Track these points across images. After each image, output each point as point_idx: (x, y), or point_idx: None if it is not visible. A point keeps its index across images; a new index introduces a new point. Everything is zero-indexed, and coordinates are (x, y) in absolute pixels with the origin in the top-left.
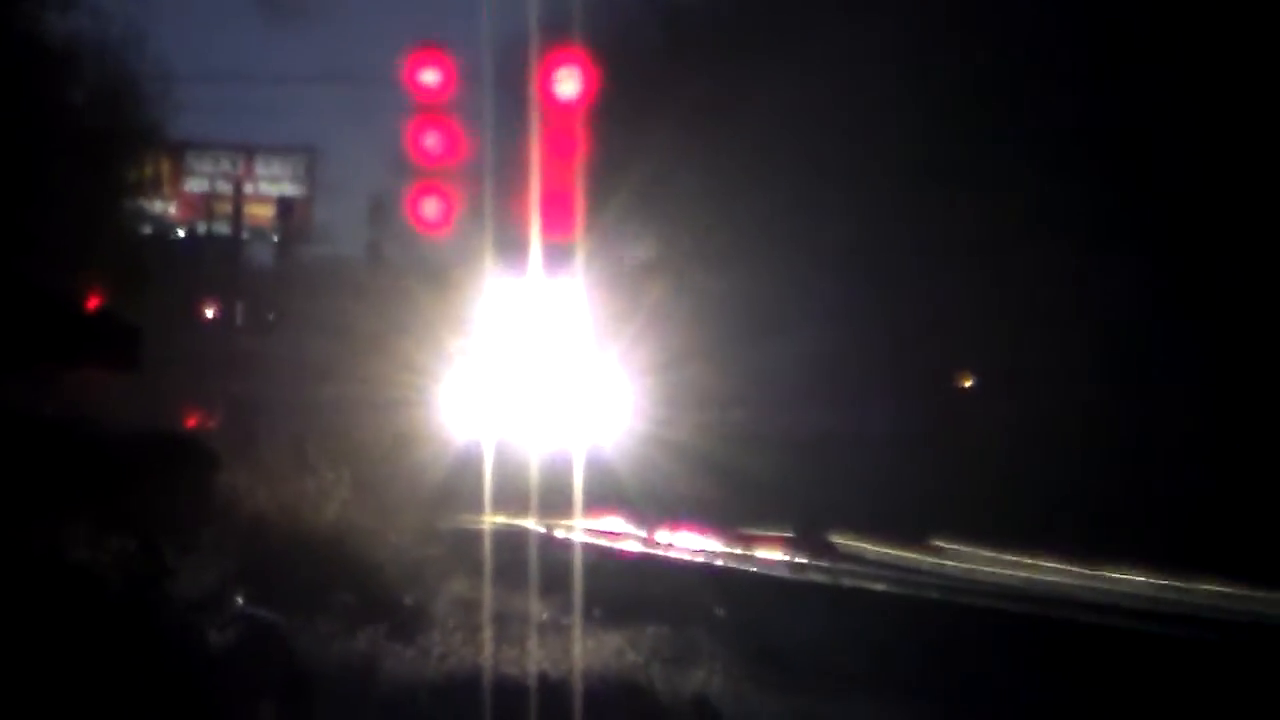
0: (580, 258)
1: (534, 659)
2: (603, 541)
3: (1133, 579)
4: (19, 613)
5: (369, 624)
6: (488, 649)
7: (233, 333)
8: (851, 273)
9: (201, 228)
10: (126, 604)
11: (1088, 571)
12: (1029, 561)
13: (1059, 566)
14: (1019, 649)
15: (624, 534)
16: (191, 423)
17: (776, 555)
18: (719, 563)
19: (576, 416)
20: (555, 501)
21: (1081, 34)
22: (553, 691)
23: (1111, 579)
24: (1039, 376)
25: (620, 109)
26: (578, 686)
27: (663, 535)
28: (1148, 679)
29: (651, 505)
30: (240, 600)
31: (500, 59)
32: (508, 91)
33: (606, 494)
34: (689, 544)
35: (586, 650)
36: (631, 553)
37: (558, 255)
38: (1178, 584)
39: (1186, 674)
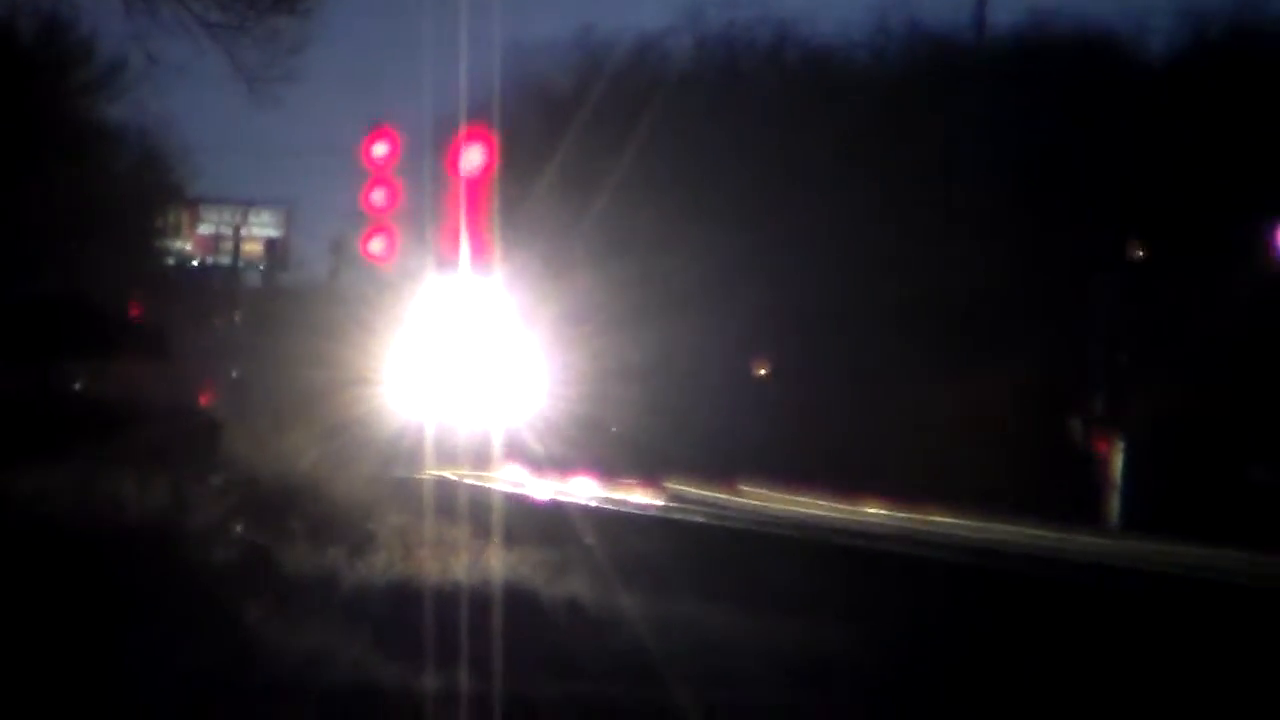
0: (492, 272)
1: (451, 571)
2: (508, 488)
3: (875, 511)
4: (81, 531)
5: (332, 546)
6: (418, 564)
7: (232, 334)
8: (687, 280)
9: (210, 259)
10: (158, 528)
11: (845, 506)
12: (805, 500)
13: (825, 503)
14: (795, 561)
15: (525, 482)
16: (204, 399)
17: (628, 495)
18: (588, 502)
19: (494, 392)
20: (476, 458)
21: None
22: (464, 594)
23: (861, 511)
24: (813, 369)
25: (521, 163)
26: (483, 591)
27: (553, 482)
28: (879, 578)
29: (545, 459)
30: (238, 528)
31: (431, 134)
32: (437, 157)
33: (514, 452)
34: (568, 488)
35: (490, 565)
36: (528, 496)
37: (475, 270)
38: (907, 514)
39: (904, 576)
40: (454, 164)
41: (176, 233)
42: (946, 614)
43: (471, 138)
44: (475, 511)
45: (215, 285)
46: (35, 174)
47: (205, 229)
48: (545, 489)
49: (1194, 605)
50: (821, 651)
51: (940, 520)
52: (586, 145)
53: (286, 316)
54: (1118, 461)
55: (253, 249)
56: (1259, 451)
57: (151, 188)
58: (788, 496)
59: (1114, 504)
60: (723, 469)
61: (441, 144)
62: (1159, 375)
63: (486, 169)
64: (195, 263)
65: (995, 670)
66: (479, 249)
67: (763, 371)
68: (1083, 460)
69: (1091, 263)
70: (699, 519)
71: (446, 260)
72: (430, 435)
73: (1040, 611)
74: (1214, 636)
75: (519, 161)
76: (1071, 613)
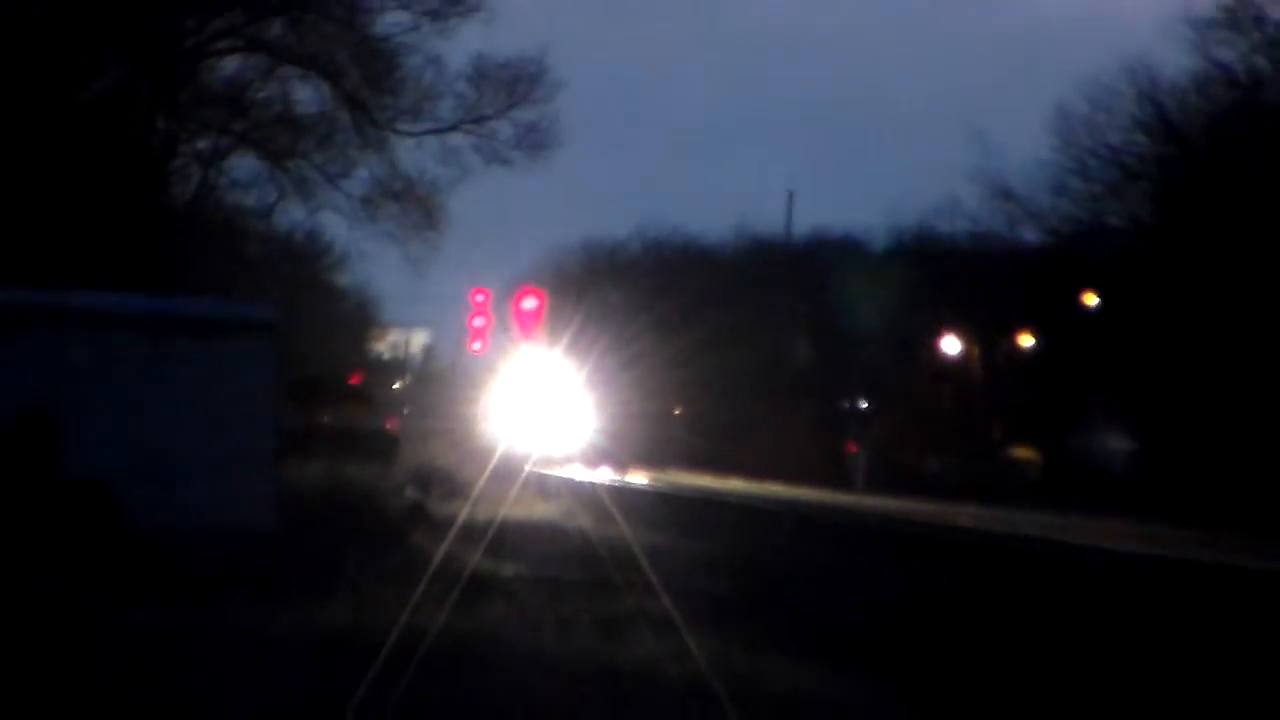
0: (545, 357)
1: (514, 514)
2: (557, 474)
3: (737, 482)
4: (329, 494)
5: (457, 502)
6: (504, 511)
7: (404, 392)
8: (644, 364)
9: (393, 353)
10: (367, 492)
11: (720, 480)
12: (704, 479)
13: (713, 480)
14: (701, 511)
15: (570, 472)
16: (390, 426)
17: (619, 477)
18: (599, 481)
19: (552, 424)
20: (545, 460)
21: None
22: (519, 524)
23: (728, 482)
24: (706, 408)
25: (556, 305)
26: (536, 524)
27: (585, 471)
28: (736, 517)
29: (585, 460)
30: (407, 492)
31: (505, 288)
32: (510, 301)
33: (567, 457)
34: (592, 475)
35: (537, 511)
36: (569, 478)
37: (536, 357)
38: (754, 484)
39: (751, 515)
40: (519, 305)
41: (374, 340)
42: (769, 535)
43: (528, 292)
44: (538, 486)
45: (395, 367)
46: (305, 313)
47: (391, 338)
48: (579, 474)
49: (899, 530)
50: (709, 555)
51: (771, 488)
52: (589, 297)
53: (434, 383)
54: (861, 457)
55: (416, 348)
56: (933, 452)
57: (362, 317)
58: (692, 475)
59: (860, 479)
60: (658, 462)
61: (512, 294)
62: (884, 413)
63: (538, 308)
64: (385, 355)
65: (794, 562)
66: (536, 345)
67: (677, 411)
68: (843, 456)
69: (848, 355)
70: (646, 488)
71: (518, 351)
72: (515, 448)
73: (816, 533)
74: (911, 547)
75: (555, 304)
76: (832, 532)
